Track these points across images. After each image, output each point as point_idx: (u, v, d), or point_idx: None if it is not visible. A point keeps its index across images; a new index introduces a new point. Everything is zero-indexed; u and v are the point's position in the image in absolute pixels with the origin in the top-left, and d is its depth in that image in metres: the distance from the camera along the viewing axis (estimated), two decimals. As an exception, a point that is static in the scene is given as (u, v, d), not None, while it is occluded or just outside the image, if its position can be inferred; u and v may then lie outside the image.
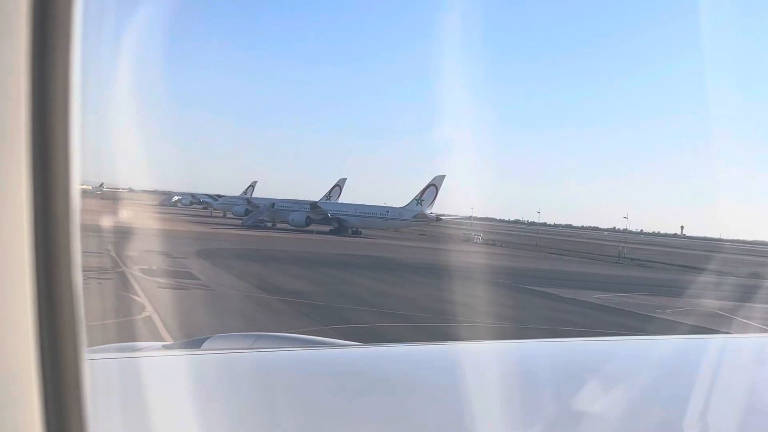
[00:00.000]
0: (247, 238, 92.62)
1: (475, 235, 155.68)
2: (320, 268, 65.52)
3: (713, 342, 7.24)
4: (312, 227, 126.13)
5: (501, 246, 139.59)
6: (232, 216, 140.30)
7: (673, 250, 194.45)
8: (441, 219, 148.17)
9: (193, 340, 6.55)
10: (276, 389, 3.88)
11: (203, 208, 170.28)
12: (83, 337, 1.79)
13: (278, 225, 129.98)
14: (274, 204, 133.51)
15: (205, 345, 6.03)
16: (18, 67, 1.66)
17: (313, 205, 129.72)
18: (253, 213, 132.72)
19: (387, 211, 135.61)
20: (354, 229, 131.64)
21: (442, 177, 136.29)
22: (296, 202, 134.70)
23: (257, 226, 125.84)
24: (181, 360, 4.64)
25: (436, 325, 40.85)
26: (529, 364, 5.00)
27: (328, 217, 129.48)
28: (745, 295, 77.19)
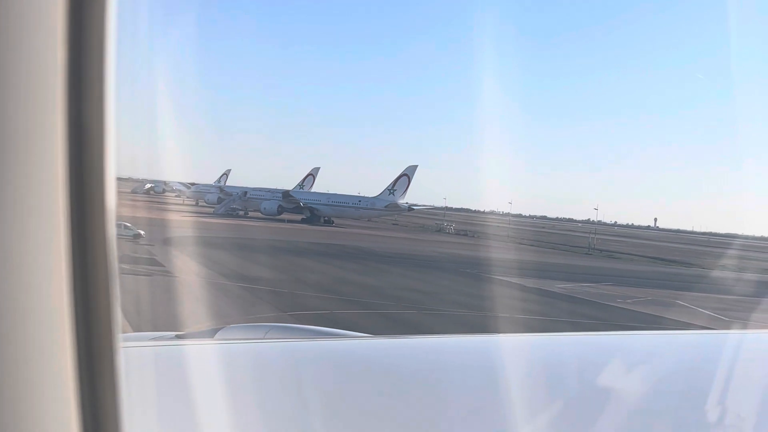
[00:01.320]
0: (217, 226, 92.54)
1: (447, 225, 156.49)
2: (287, 256, 65.78)
3: (720, 338, 7.27)
4: (284, 216, 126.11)
5: (472, 236, 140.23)
6: (204, 204, 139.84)
7: (644, 242, 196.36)
8: (413, 209, 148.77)
9: (206, 330, 6.88)
10: (288, 379, 3.94)
11: (176, 196, 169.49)
12: (119, 328, 1.84)
13: (250, 213, 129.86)
14: (246, 192, 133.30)
15: (219, 335, 6.17)
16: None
17: (285, 194, 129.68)
18: (225, 201, 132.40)
19: (359, 201, 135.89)
20: (326, 218, 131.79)
21: (415, 167, 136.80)
22: (269, 190, 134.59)
23: (229, 214, 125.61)
24: (194, 350, 4.75)
25: (397, 312, 41.32)
26: (537, 357, 5.02)
27: (301, 206, 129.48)
28: (708, 286, 78.49)
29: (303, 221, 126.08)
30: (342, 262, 65.96)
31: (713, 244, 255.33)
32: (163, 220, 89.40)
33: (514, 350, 5.22)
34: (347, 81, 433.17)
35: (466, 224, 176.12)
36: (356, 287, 50.05)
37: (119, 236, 52.45)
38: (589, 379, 4.35)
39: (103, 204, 1.80)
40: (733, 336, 7.22)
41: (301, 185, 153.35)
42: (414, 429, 3.33)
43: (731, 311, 56.16)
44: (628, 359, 5.13)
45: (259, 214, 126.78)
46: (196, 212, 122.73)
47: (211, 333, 6.29)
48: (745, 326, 48.75)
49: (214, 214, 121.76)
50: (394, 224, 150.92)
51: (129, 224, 68.75)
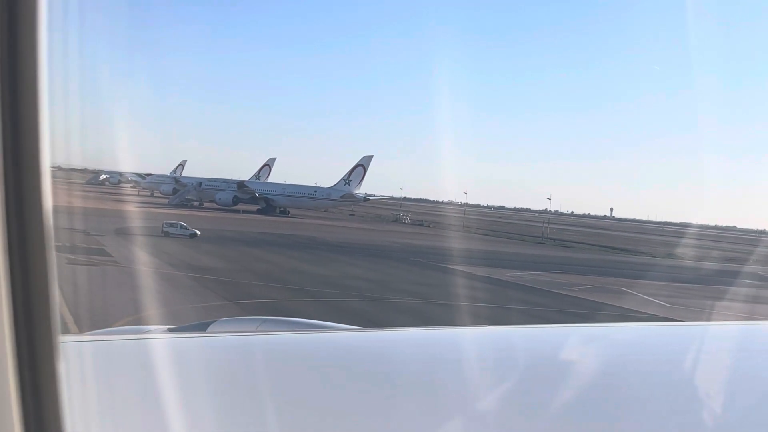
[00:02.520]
0: (169, 217, 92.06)
1: (403, 215, 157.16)
2: (238, 246, 65.79)
3: (709, 330, 7.23)
4: (239, 207, 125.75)
5: (428, 226, 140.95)
6: (160, 195, 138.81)
7: (598, 231, 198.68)
8: (369, 199, 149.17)
9: (198, 324, 6.68)
10: (281, 372, 3.94)
11: (131, 187, 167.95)
12: (58, 325, 1.82)
13: (206, 204, 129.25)
14: (201, 183, 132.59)
15: (211, 328, 6.16)
16: None
17: (240, 185, 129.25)
18: (180, 192, 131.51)
19: (315, 191, 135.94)
20: (282, 209, 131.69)
21: (370, 157, 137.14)
22: (224, 181, 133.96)
23: (184, 205, 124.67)
24: (187, 342, 4.73)
25: (343, 300, 41.69)
26: (529, 349, 5.04)
27: (256, 197, 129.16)
28: (656, 274, 79.96)
29: (258, 212, 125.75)
30: (293, 252, 66.08)
31: (667, 233, 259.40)
32: (117, 211, 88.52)
33: (505, 342, 5.34)
34: (303, 72, 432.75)
35: (422, 214, 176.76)
36: (305, 276, 50.27)
37: (176, 236, 56.93)
38: (581, 371, 4.42)
39: (40, 201, 1.79)
40: (721, 328, 7.42)
41: (257, 176, 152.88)
42: (407, 420, 3.34)
43: (675, 298, 57.53)
44: (620, 351, 5.22)
45: (215, 205, 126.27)
46: (150, 203, 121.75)
47: (203, 326, 6.32)
48: (693, 313, 50.01)
49: (169, 205, 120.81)
50: (350, 215, 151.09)
51: (185, 224, 71.11)
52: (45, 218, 1.80)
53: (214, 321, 6.48)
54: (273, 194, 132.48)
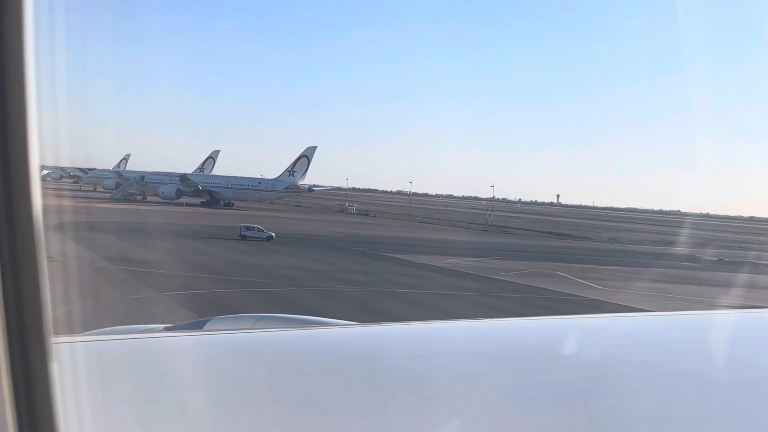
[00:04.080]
0: (110, 211, 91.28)
1: (349, 205, 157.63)
2: (177, 240, 65.55)
3: (706, 318, 7.23)
4: (183, 200, 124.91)
5: (374, 216, 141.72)
6: (102, 189, 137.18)
7: (543, 218, 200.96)
8: (314, 189, 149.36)
9: (194, 322, 6.77)
10: (277, 368, 3.96)
11: (74, 182, 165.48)
12: (50, 327, 1.82)
13: (149, 198, 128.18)
14: (144, 177, 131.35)
15: (207, 326, 6.19)
16: None
17: (183, 178, 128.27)
18: (122, 186, 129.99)
19: (259, 183, 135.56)
20: (226, 202, 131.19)
21: (314, 148, 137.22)
22: (167, 174, 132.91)
23: (126, 199, 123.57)
24: (184, 341, 4.72)
25: (276, 290, 42.05)
26: (524, 342, 5.11)
27: (199, 190, 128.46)
28: (595, 257, 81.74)
29: (202, 205, 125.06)
30: (233, 244, 66.11)
31: (611, 218, 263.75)
32: (56, 207, 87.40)
33: (504, 335, 5.36)
34: (246, 64, 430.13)
35: (370, 205, 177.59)
36: (242, 267, 50.42)
37: (254, 239, 61.24)
38: (578, 363, 4.46)
39: (30, 201, 1.77)
40: (716, 316, 7.35)
41: (201, 169, 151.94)
42: (405, 415, 3.34)
43: (606, 280, 59.01)
44: (611, 342, 5.25)
45: (158, 199, 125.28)
46: (91, 198, 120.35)
47: (200, 324, 6.36)
48: (622, 294, 51.40)
49: (111, 200, 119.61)
50: (297, 206, 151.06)
51: (261, 227, 74.02)
52: (35, 218, 1.79)
53: (210, 319, 6.57)
54: (217, 187, 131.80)
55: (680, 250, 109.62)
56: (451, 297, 44.30)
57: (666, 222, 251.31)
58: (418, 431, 3.14)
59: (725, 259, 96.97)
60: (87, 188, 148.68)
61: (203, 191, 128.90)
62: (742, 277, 73.13)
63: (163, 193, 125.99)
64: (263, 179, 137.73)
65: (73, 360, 3.19)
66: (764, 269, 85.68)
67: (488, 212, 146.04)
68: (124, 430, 2.81)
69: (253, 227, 73.81)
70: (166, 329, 6.28)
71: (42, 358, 1.81)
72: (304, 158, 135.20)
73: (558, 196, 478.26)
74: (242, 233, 72.13)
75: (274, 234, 73.07)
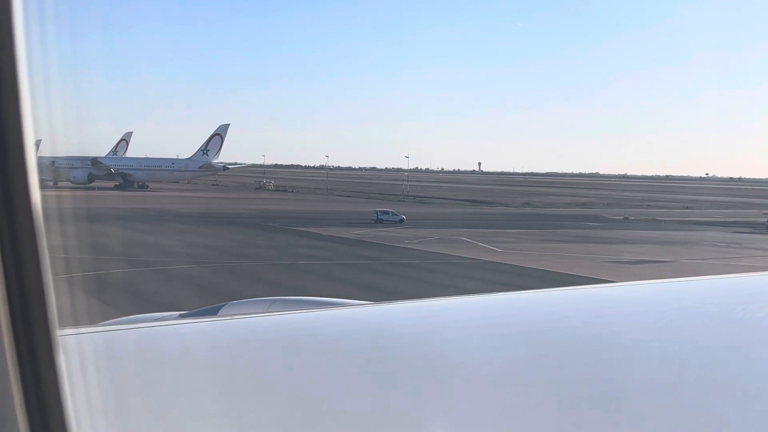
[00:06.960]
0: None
1: (267, 182, 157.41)
2: (81, 223, 64.91)
3: (706, 284, 7.17)
4: (96, 184, 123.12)
5: (291, 191, 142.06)
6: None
7: (463, 186, 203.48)
8: (229, 168, 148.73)
9: (209, 308, 6.80)
10: (293, 350, 3.95)
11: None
12: (55, 319, 1.80)
13: (60, 183, 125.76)
14: (53, 162, 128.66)
15: (222, 311, 6.26)
16: None
17: (94, 161, 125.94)
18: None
19: (172, 163, 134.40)
20: (140, 184, 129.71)
21: (227, 126, 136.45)
22: (78, 159, 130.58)
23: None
24: (198, 328, 4.74)
25: (176, 267, 42.49)
26: (535, 314, 5.10)
27: (112, 173, 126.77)
28: (503, 222, 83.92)
29: (116, 188, 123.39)
30: (140, 225, 65.77)
31: (530, 183, 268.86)
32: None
33: (515, 308, 5.35)
34: (154, 38, 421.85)
35: (289, 181, 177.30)
36: (145, 248, 50.42)
37: (387, 222, 67.58)
38: (584, 332, 4.44)
39: (28, 194, 1.77)
40: (715, 281, 7.24)
41: (114, 152, 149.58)
42: (422, 392, 3.33)
43: (508, 243, 60.93)
44: (618, 310, 5.23)
45: (70, 184, 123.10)
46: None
47: (214, 311, 6.38)
48: (520, 255, 53.20)
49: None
50: (214, 185, 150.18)
51: (393, 211, 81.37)
52: (34, 210, 1.77)
53: (225, 304, 6.59)
54: (130, 169, 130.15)
55: (589, 211, 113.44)
56: (350, 266, 45.44)
57: (583, 185, 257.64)
58: (435, 407, 3.14)
59: (630, 218, 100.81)
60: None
61: (116, 174, 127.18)
62: (641, 233, 76.38)
63: (74, 177, 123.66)
64: (177, 159, 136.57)
65: (82, 352, 3.13)
66: (665, 226, 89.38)
67: (404, 182, 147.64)
68: (139, 422, 2.77)
69: (387, 211, 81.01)
70: (181, 316, 6.35)
71: (49, 351, 1.78)
72: (218, 136, 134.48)
73: (480, 164, 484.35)
74: (379, 217, 78.44)
75: (404, 217, 78.81)
